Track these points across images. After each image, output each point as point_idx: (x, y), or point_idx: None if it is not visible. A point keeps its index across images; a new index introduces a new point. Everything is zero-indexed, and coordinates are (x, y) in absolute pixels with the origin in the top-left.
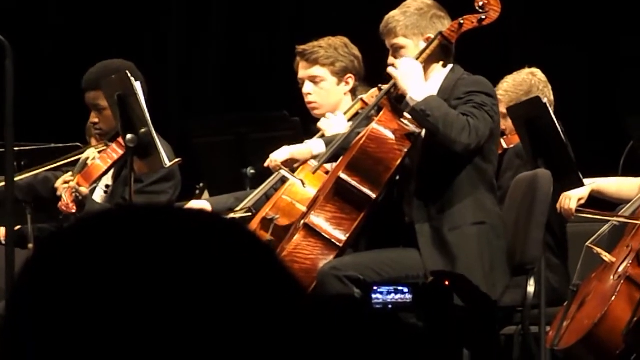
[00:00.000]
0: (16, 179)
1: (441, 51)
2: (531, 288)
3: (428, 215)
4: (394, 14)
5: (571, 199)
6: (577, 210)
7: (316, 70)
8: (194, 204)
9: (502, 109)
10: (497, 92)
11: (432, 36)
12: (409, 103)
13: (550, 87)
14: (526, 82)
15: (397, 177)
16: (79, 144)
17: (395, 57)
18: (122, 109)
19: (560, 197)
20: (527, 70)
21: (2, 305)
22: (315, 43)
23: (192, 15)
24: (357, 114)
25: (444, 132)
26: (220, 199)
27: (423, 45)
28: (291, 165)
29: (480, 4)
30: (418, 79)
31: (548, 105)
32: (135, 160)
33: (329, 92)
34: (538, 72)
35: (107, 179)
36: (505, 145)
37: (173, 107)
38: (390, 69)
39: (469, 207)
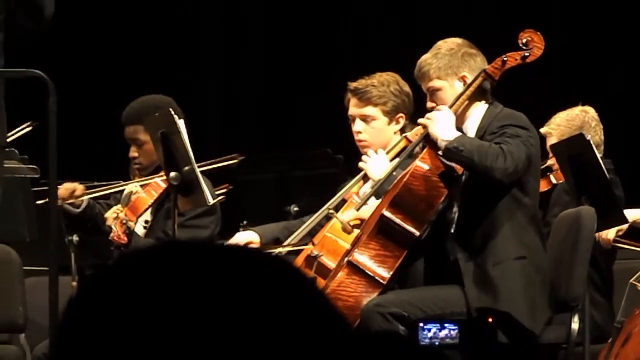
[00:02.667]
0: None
1: (483, 89)
2: (575, 325)
3: (471, 252)
4: (426, 57)
5: (610, 230)
6: (615, 241)
7: (368, 110)
8: (240, 236)
9: (554, 142)
10: (549, 127)
11: (467, 74)
12: (441, 145)
13: (602, 126)
14: (579, 118)
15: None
16: (121, 181)
17: (433, 100)
18: (165, 147)
19: None
20: (580, 108)
21: (46, 344)
22: (367, 81)
23: (233, 51)
24: (401, 151)
25: (479, 161)
26: (269, 228)
27: (459, 84)
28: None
29: (524, 41)
30: (448, 125)
31: (592, 143)
32: (179, 198)
33: (379, 132)
34: (591, 110)
35: (146, 215)
36: (554, 181)
37: (214, 144)
38: (420, 120)
39: (510, 242)
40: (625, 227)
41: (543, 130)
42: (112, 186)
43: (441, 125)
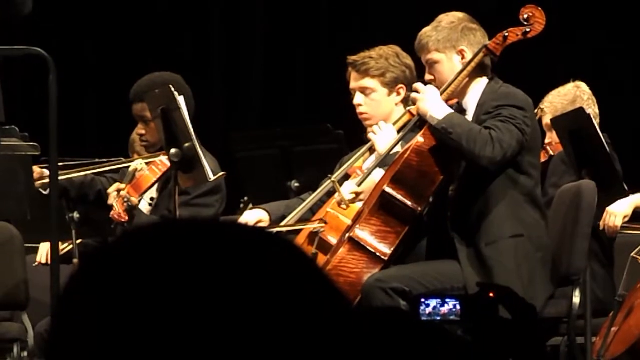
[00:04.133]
0: (62, 178)
1: (484, 64)
2: (577, 299)
3: (466, 231)
4: (426, 29)
5: (617, 216)
6: (622, 227)
7: (367, 82)
8: (249, 214)
9: (548, 120)
10: (543, 104)
11: (465, 48)
12: (430, 122)
13: (594, 100)
14: (571, 93)
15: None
16: (122, 158)
17: (431, 73)
18: (165, 123)
19: (604, 214)
20: (572, 84)
21: (47, 321)
22: (366, 53)
23: (234, 30)
24: (404, 125)
25: (467, 147)
26: (273, 206)
27: (457, 58)
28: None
29: (525, 16)
30: (436, 100)
31: (592, 116)
32: (180, 174)
33: (379, 104)
34: (582, 85)
35: (152, 192)
36: (551, 152)
37: (216, 120)
38: (413, 95)
39: (505, 220)
40: (630, 212)
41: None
42: (101, 165)
43: (429, 100)
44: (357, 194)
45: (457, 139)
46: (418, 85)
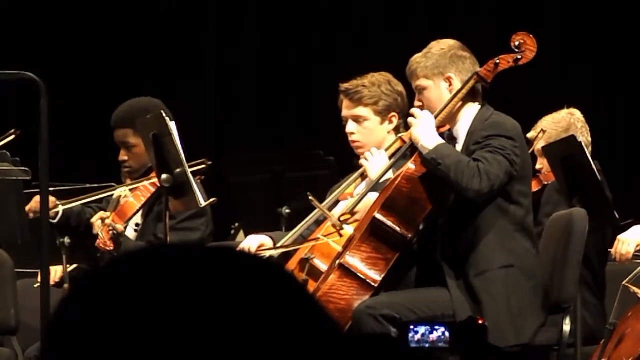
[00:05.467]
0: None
1: (475, 91)
2: (567, 327)
3: (455, 260)
4: (417, 56)
5: (629, 244)
6: (634, 256)
7: (359, 110)
8: (254, 238)
9: (539, 146)
10: (535, 131)
11: (453, 76)
12: (421, 151)
13: (587, 128)
14: (565, 120)
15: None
16: (113, 184)
17: (420, 99)
18: (157, 148)
19: (616, 242)
20: (566, 110)
21: (38, 346)
22: (358, 81)
23: (227, 57)
24: (396, 152)
25: (455, 179)
26: (277, 235)
27: (444, 85)
28: None
29: (517, 43)
30: (428, 128)
31: (583, 144)
32: (171, 200)
33: (372, 132)
34: (576, 112)
35: (137, 218)
36: (544, 182)
37: (207, 146)
38: (410, 119)
39: (495, 251)
40: None
41: (529, 135)
42: (94, 194)
43: (422, 128)
44: (353, 214)
45: (445, 170)
46: (415, 111)
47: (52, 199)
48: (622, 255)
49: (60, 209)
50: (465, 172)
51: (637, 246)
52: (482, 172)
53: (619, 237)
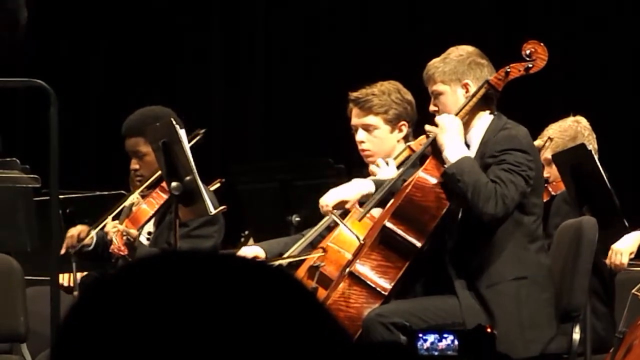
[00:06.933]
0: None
1: (487, 99)
2: (577, 335)
3: (466, 270)
4: (435, 60)
5: (622, 254)
6: (629, 265)
7: (370, 119)
8: (246, 250)
9: (548, 155)
10: (542, 139)
11: (470, 82)
12: (444, 161)
13: (594, 135)
14: (572, 128)
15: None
16: (123, 191)
17: (435, 104)
18: (166, 156)
19: (610, 252)
20: (572, 118)
21: (47, 353)
22: (368, 90)
23: (234, 62)
24: (404, 161)
25: (471, 200)
26: (271, 244)
27: (460, 91)
28: (342, 207)
29: (527, 52)
30: (456, 135)
31: (593, 152)
32: (180, 208)
33: (382, 140)
34: (583, 120)
35: (149, 226)
36: (552, 192)
37: (216, 153)
38: (428, 127)
39: (507, 263)
40: (635, 248)
41: (536, 143)
42: (111, 210)
43: (450, 134)
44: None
45: (463, 187)
46: (439, 118)
47: (82, 227)
48: (617, 266)
49: (93, 233)
50: (482, 194)
51: (631, 254)
52: (498, 196)
53: (612, 247)
